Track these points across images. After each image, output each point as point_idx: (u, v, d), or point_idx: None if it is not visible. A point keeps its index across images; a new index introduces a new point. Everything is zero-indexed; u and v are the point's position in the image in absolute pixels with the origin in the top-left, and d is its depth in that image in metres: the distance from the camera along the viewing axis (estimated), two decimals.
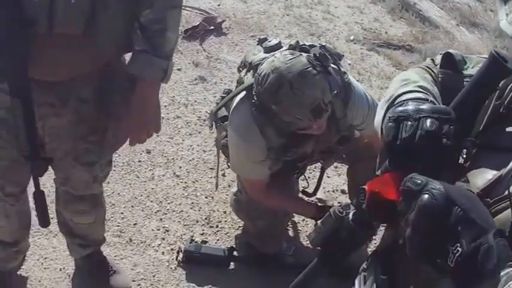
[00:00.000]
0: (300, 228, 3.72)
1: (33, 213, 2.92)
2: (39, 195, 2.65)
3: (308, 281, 1.70)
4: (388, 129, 1.33)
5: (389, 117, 1.35)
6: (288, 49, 2.93)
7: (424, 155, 1.27)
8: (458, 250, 1.08)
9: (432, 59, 1.64)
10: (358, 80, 3.33)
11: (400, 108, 1.35)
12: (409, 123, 1.29)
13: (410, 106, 1.34)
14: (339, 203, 3.80)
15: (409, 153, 1.28)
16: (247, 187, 3.30)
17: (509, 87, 1.38)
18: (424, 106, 1.33)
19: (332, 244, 1.58)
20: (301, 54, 2.81)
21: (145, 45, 2.41)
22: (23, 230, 3.05)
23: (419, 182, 1.15)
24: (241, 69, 3.25)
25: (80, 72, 2.43)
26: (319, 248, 1.66)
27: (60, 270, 3.42)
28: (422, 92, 1.47)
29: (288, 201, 3.46)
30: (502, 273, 1.05)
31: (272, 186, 3.24)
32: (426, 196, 1.12)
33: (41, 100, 2.39)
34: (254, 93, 2.89)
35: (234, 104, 3.09)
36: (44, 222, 2.75)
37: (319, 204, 3.61)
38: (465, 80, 1.49)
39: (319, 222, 1.65)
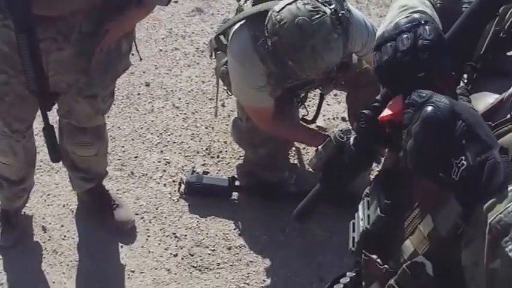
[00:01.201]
0: (301, 157, 3.67)
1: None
2: (49, 130, 2.66)
3: (310, 206, 1.67)
4: (374, 58, 1.33)
5: (372, 47, 1.35)
6: None
7: (408, 71, 1.26)
8: (463, 163, 1.07)
9: None
10: (356, 8, 3.27)
11: (379, 33, 1.35)
12: (388, 44, 1.29)
13: (389, 27, 1.33)
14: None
15: (394, 74, 1.28)
16: (252, 116, 3.26)
17: (509, 12, 1.33)
18: (402, 20, 1.32)
19: (333, 169, 1.54)
20: (324, 13, 2.73)
21: None
22: (29, 166, 3.06)
23: (424, 94, 1.13)
24: None
25: (82, 6, 2.42)
26: (320, 173, 1.62)
27: (64, 206, 3.40)
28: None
29: (294, 131, 3.43)
30: (509, 189, 1.03)
31: (277, 115, 3.20)
32: (430, 107, 1.10)
33: (44, 35, 2.39)
34: (266, 34, 2.82)
35: (233, 31, 3.06)
36: (55, 157, 2.77)
37: (325, 133, 3.56)
38: (463, 6, 1.43)
39: (319, 147, 1.61)
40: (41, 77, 2.40)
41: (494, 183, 1.04)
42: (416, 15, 1.36)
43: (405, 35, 1.26)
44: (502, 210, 1.02)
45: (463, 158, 1.06)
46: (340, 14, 2.79)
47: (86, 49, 2.54)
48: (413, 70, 1.25)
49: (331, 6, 2.80)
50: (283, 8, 2.75)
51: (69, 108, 2.79)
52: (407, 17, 1.35)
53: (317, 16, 2.72)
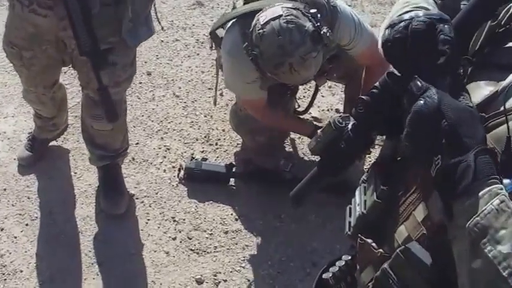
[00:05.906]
0: (296, 146, 3.65)
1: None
2: (103, 91, 2.71)
3: (306, 189, 1.63)
4: (384, 36, 1.27)
5: (386, 27, 1.29)
6: None
7: (420, 50, 1.21)
8: (438, 162, 1.07)
9: None
10: (350, 6, 3.24)
11: (396, 18, 1.28)
12: (402, 23, 1.23)
13: (406, 15, 1.27)
14: None
15: (403, 50, 1.22)
16: (246, 107, 3.24)
17: (505, 9, 1.31)
18: (420, 12, 1.26)
19: (331, 153, 1.50)
20: (306, 31, 2.66)
21: None
22: (59, 112, 3.31)
23: (420, 86, 1.13)
24: None
25: None
26: (318, 156, 1.58)
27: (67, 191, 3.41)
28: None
29: (286, 120, 3.41)
30: (483, 191, 1.02)
31: (269, 106, 3.19)
32: (421, 102, 1.10)
33: None
34: (250, 39, 2.77)
35: (226, 28, 3.06)
36: (110, 116, 2.81)
37: (316, 123, 3.54)
38: (462, 3, 1.40)
39: (319, 131, 1.58)
40: (93, 38, 2.50)
41: (461, 187, 1.04)
42: (434, 11, 1.31)
43: (421, 19, 1.22)
44: (479, 213, 1.02)
45: (440, 157, 1.07)
46: (322, 32, 2.71)
47: (109, 18, 2.60)
48: (425, 50, 1.20)
49: (318, 17, 2.75)
50: (267, 23, 2.69)
51: (88, 80, 2.80)
52: (426, 13, 1.29)
53: (298, 36, 2.66)
